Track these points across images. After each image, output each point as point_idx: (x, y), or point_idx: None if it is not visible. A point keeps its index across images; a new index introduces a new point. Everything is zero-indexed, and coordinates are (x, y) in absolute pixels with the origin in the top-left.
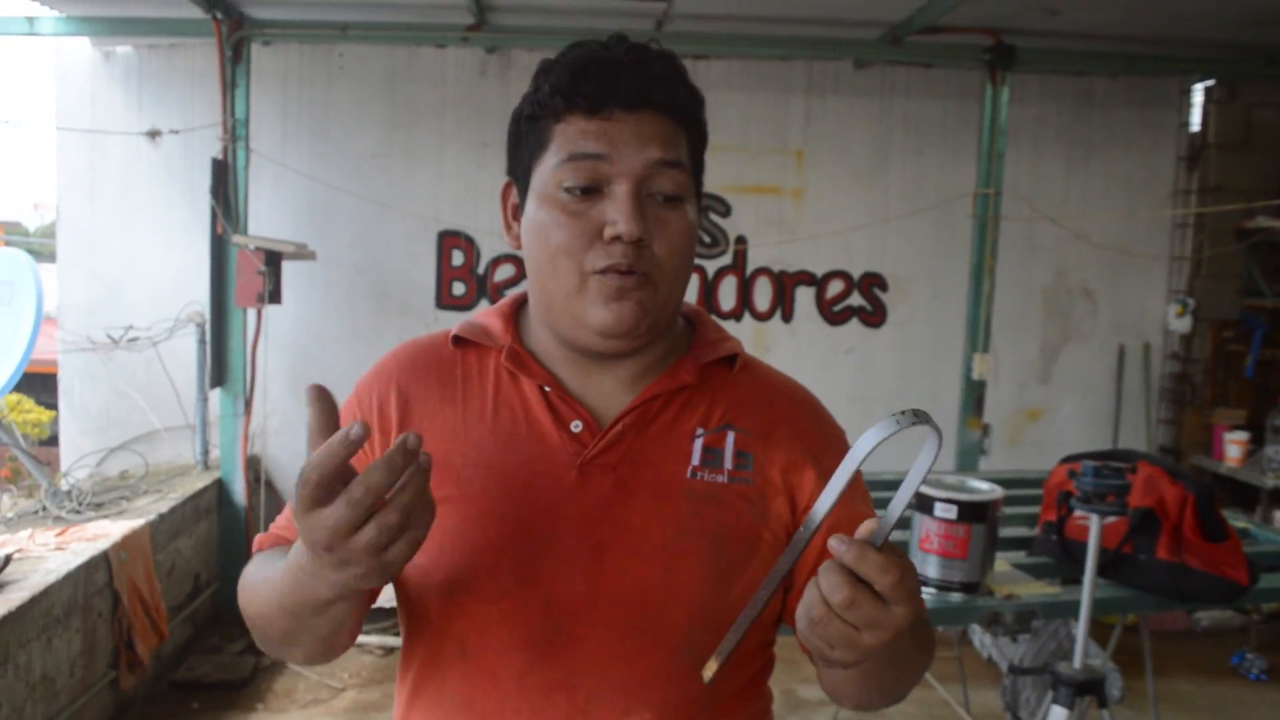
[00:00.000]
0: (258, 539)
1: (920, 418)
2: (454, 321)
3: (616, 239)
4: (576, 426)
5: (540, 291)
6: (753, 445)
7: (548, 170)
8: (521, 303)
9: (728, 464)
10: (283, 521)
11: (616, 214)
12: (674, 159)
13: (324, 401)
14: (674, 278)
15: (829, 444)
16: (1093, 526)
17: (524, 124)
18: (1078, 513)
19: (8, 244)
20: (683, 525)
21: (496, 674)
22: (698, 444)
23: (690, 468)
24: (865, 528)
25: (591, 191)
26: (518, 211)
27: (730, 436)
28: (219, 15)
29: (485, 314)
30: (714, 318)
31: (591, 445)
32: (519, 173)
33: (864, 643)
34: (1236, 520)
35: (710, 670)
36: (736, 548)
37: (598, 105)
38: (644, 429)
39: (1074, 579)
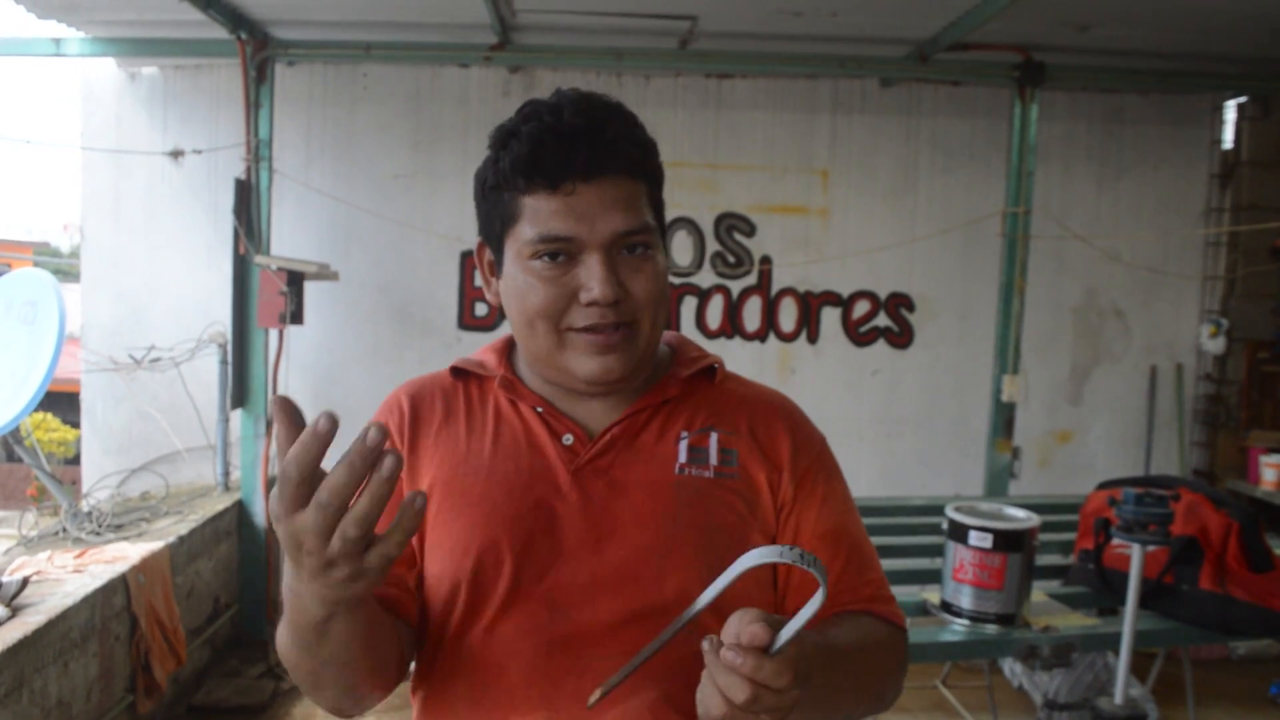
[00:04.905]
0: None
1: (807, 561)
2: (476, 342)
3: (594, 303)
4: (568, 439)
5: (523, 347)
6: (736, 443)
7: (521, 242)
8: (513, 340)
9: (713, 460)
10: None
11: (592, 280)
12: (637, 225)
13: (289, 413)
14: (654, 318)
15: (806, 448)
16: (1135, 556)
17: (490, 193)
18: (1117, 541)
19: (39, 265)
20: (674, 517)
21: (505, 666)
22: (683, 444)
23: (678, 465)
24: (760, 634)
25: (565, 259)
26: (495, 268)
27: (714, 436)
28: (243, 36)
29: (480, 351)
30: (738, 343)
31: (584, 453)
32: (491, 238)
33: None
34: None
35: (594, 698)
36: (726, 538)
37: (558, 180)
38: (633, 439)
39: (1112, 609)
